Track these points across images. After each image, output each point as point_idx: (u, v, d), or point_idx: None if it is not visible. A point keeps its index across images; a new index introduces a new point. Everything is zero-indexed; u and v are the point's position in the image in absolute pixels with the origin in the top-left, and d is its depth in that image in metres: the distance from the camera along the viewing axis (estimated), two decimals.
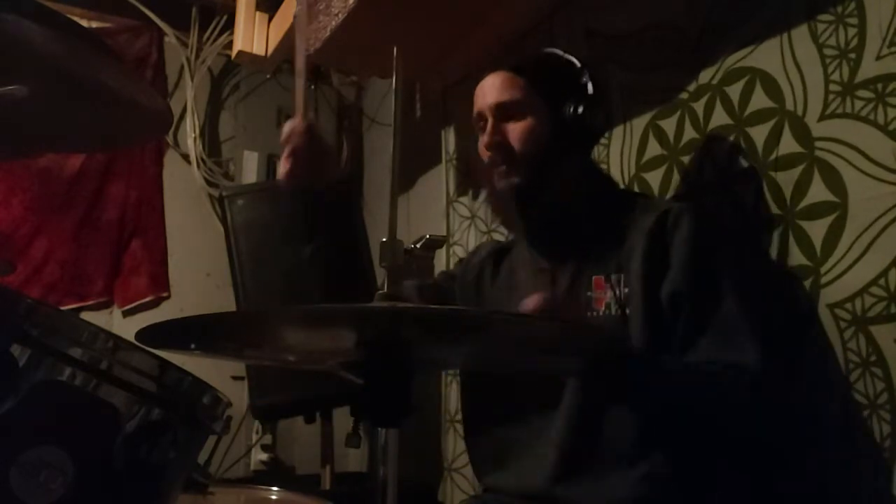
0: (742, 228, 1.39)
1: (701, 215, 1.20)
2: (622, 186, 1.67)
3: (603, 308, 1.19)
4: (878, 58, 1.19)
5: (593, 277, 1.22)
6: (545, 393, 1.23)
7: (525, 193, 1.26)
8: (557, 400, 1.21)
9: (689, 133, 1.52)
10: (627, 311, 1.16)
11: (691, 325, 1.12)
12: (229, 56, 2.68)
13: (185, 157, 2.84)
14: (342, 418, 2.36)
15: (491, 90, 1.29)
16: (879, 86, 1.18)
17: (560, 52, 1.33)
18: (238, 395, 2.40)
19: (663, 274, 1.16)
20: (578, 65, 1.30)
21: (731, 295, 1.12)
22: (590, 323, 1.18)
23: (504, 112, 1.27)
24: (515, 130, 1.26)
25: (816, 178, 1.26)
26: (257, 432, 2.68)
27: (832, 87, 1.26)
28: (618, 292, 1.18)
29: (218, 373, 2.44)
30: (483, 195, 1.41)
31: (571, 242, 1.28)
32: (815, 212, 1.26)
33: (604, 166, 1.72)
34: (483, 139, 1.29)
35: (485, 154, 1.30)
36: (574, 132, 1.26)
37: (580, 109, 1.25)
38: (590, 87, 1.27)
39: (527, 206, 1.28)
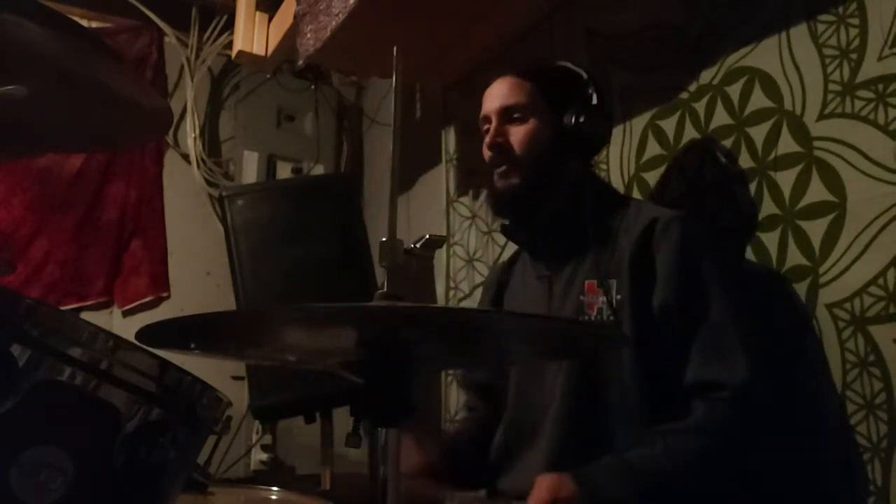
0: (737, 231, 1.39)
1: (689, 224, 1.21)
2: (622, 187, 1.67)
3: (595, 312, 1.22)
4: (881, 58, 1.19)
5: (586, 282, 1.24)
6: (540, 397, 1.25)
7: (523, 194, 1.28)
8: (550, 402, 1.22)
9: (690, 133, 1.52)
10: (619, 317, 1.18)
11: (680, 338, 1.14)
12: (229, 56, 2.68)
13: (185, 157, 2.84)
14: (342, 418, 2.36)
15: (497, 94, 1.33)
16: (881, 86, 1.18)
17: (569, 65, 1.36)
18: (238, 395, 2.40)
19: (651, 284, 1.18)
20: (585, 76, 1.32)
21: (717, 305, 1.13)
22: (589, 323, 1.19)
23: (508, 115, 1.31)
24: (517, 133, 1.29)
25: (815, 177, 1.26)
26: (257, 432, 2.68)
27: (831, 86, 1.26)
28: (610, 298, 1.20)
29: (218, 373, 2.44)
30: (483, 197, 1.43)
31: (567, 247, 1.30)
32: (814, 212, 1.26)
33: (604, 166, 1.73)
34: (485, 140, 1.32)
35: (486, 155, 1.33)
36: (575, 139, 1.28)
37: (583, 118, 1.27)
38: (594, 97, 1.30)
39: (524, 207, 1.31)
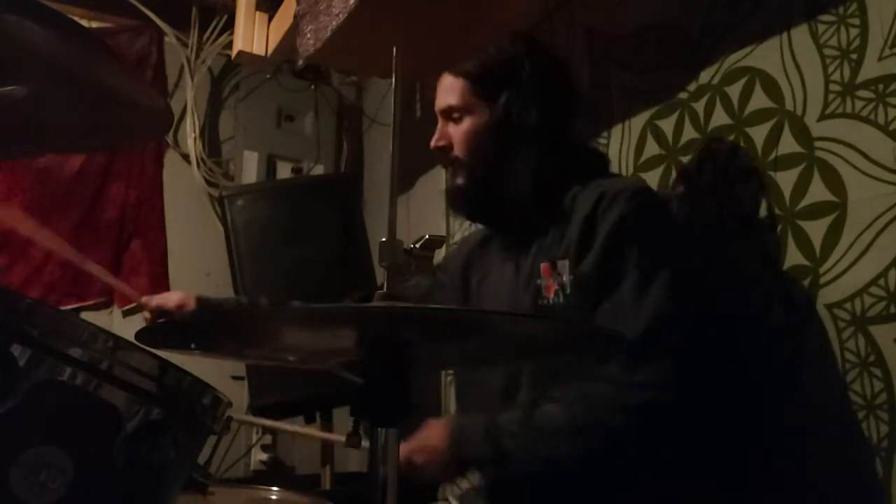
0: (737, 233, 1.39)
1: (633, 200, 1.18)
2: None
3: (552, 296, 1.20)
4: (881, 58, 1.19)
5: (541, 265, 1.23)
6: (504, 389, 1.25)
7: (469, 192, 1.30)
8: (514, 395, 1.22)
9: (689, 133, 1.52)
10: (569, 299, 1.18)
11: (595, 307, 1.15)
12: (229, 56, 2.68)
13: (185, 157, 2.84)
14: (342, 418, 2.36)
15: (439, 94, 1.33)
16: (881, 86, 1.18)
17: (506, 44, 1.30)
18: (238, 395, 2.40)
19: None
20: (520, 54, 1.27)
21: (630, 278, 1.12)
22: (587, 323, 1.18)
23: (448, 116, 1.32)
24: (456, 133, 1.31)
25: (816, 177, 1.26)
26: (257, 432, 2.68)
27: (832, 87, 1.26)
28: (564, 278, 1.19)
29: (218, 373, 2.44)
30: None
31: (529, 229, 1.28)
32: (815, 212, 1.26)
33: None
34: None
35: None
36: (517, 125, 1.25)
37: (517, 103, 1.25)
38: (529, 79, 1.25)
39: (473, 204, 1.32)
